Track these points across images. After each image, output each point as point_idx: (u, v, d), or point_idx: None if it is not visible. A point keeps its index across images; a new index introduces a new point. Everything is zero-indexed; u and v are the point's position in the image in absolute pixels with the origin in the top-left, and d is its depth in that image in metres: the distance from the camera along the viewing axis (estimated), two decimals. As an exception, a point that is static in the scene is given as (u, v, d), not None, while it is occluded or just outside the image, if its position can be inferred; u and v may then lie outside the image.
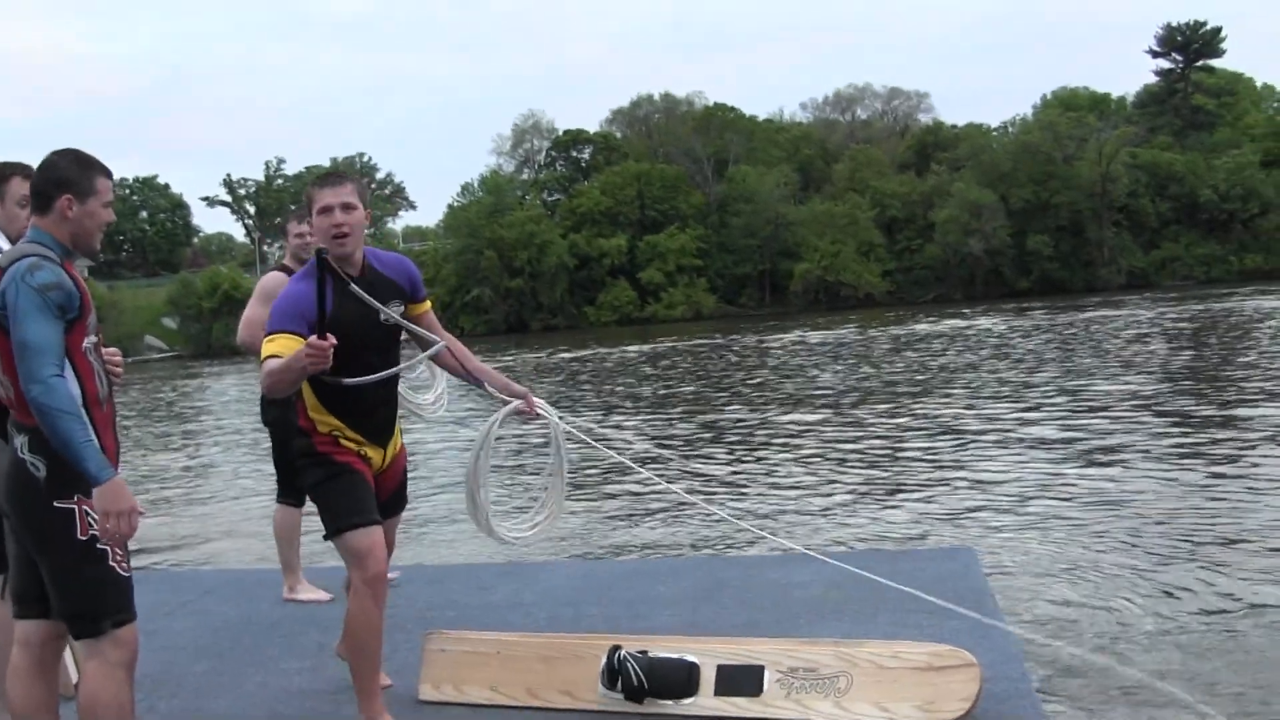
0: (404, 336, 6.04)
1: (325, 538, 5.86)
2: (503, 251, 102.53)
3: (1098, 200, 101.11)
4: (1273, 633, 8.51)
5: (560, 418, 6.30)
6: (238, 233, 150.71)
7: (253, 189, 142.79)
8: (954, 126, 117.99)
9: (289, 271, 8.11)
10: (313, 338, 5.26)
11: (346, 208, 5.71)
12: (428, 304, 6.11)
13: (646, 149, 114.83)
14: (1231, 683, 7.50)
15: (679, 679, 5.93)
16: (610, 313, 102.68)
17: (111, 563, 4.65)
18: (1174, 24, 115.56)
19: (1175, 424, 18.91)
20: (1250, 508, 12.58)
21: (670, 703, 5.92)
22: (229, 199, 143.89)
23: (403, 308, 5.90)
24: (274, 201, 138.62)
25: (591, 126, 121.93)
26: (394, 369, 5.86)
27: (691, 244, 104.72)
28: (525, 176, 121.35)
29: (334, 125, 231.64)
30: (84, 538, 4.60)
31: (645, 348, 56.67)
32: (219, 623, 8.45)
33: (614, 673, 5.97)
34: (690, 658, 6.01)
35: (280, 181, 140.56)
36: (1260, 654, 8.06)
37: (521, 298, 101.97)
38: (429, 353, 6.06)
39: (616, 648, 6.04)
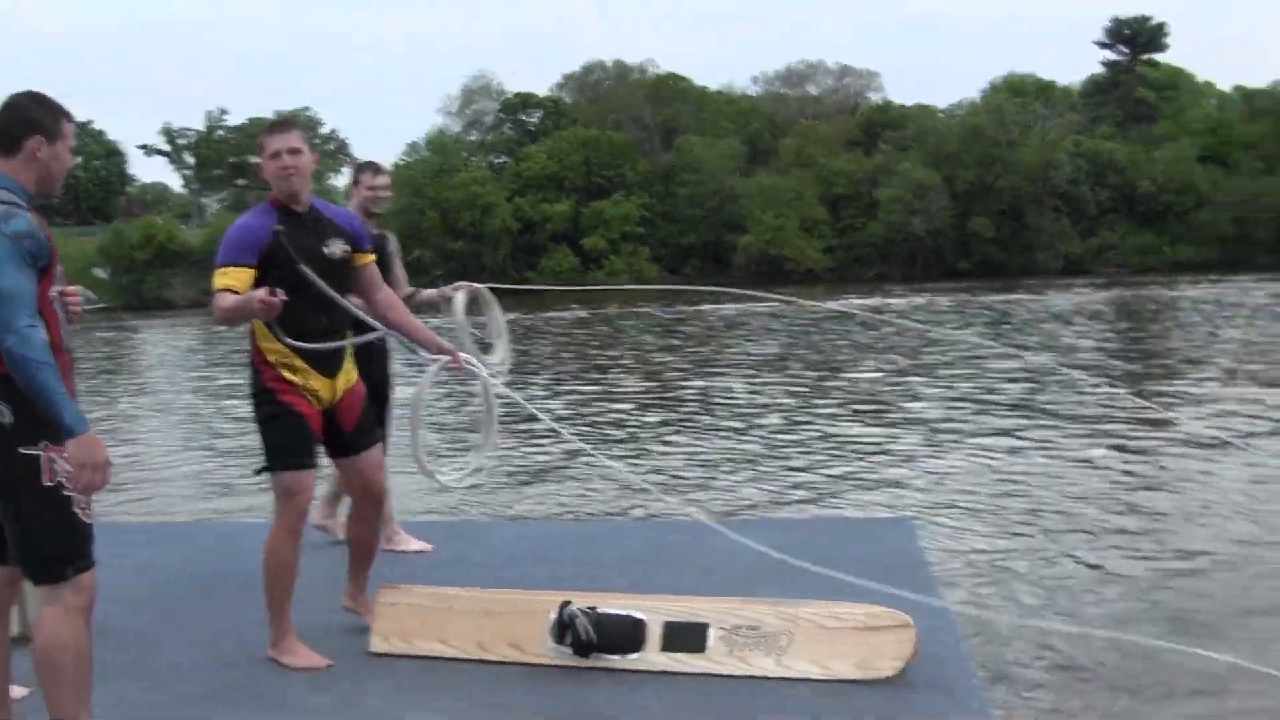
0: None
1: (256, 471, 6.35)
2: (446, 213, 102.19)
3: (1039, 186, 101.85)
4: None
5: (488, 373, 6.71)
6: (175, 183, 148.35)
7: (193, 139, 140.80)
8: (902, 106, 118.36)
9: None
10: (263, 291, 5.72)
11: (293, 152, 6.25)
12: (370, 257, 6.58)
13: (595, 115, 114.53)
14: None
15: (626, 634, 6.09)
16: (552, 278, 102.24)
17: (75, 509, 4.64)
18: (1121, 17, 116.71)
19: (1090, 405, 19.22)
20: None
21: (617, 657, 6.08)
22: (167, 148, 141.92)
23: (348, 249, 6.36)
24: (214, 153, 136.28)
25: (541, 91, 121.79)
26: (342, 342, 6.36)
27: (636, 212, 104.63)
28: (473, 138, 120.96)
29: (277, 80, 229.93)
30: (50, 484, 4.57)
31: (585, 313, 56.75)
32: (161, 575, 8.49)
33: (563, 627, 6.11)
34: (637, 614, 6.17)
35: (221, 132, 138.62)
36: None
37: (464, 260, 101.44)
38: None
39: (566, 603, 6.17)
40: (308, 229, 6.25)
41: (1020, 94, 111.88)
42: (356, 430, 6.46)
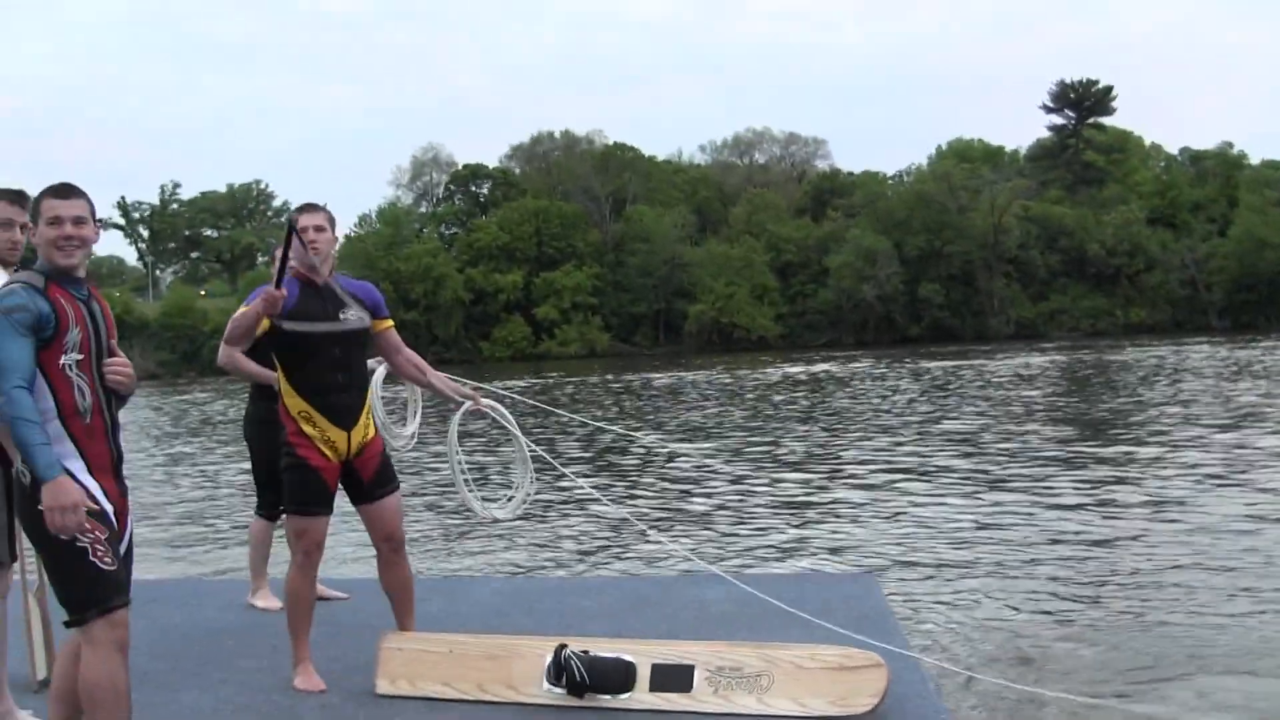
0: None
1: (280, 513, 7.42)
2: (399, 284, 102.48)
3: (989, 251, 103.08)
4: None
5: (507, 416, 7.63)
6: (130, 256, 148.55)
7: (147, 212, 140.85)
8: (850, 174, 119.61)
9: None
10: (269, 287, 6.64)
11: (318, 229, 7.10)
12: (389, 323, 7.34)
13: (545, 185, 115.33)
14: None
15: (617, 676, 6.54)
16: (505, 348, 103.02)
17: (92, 558, 5.07)
18: (1067, 81, 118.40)
19: (1051, 461, 19.73)
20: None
21: (609, 697, 6.52)
22: (122, 222, 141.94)
23: (364, 317, 7.11)
24: (168, 226, 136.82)
25: (491, 161, 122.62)
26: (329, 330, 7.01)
27: (587, 282, 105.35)
28: (423, 210, 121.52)
29: (226, 151, 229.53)
30: (65, 536, 5.02)
31: (534, 381, 57.03)
32: (168, 626, 8.84)
33: (559, 669, 6.54)
34: (627, 657, 6.62)
35: (175, 206, 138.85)
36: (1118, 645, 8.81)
37: (416, 331, 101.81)
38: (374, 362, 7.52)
39: (563, 646, 6.62)
40: (324, 299, 7.01)
41: (967, 159, 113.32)
42: (375, 480, 7.15)
